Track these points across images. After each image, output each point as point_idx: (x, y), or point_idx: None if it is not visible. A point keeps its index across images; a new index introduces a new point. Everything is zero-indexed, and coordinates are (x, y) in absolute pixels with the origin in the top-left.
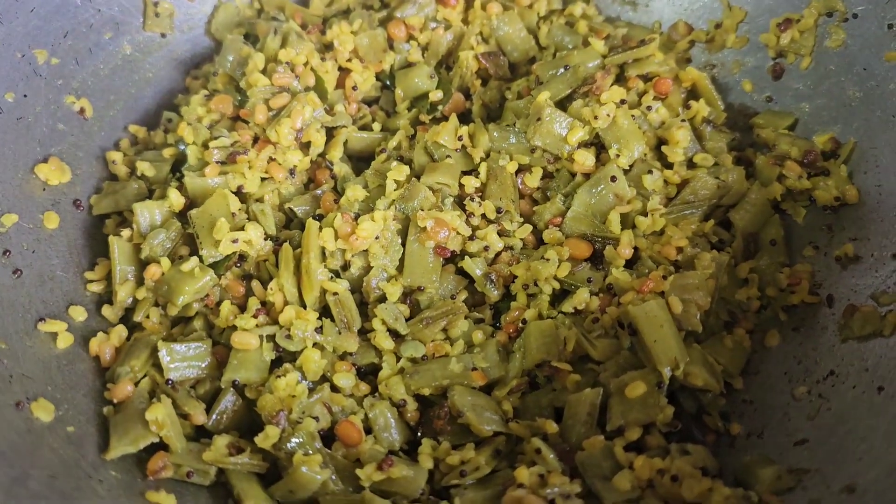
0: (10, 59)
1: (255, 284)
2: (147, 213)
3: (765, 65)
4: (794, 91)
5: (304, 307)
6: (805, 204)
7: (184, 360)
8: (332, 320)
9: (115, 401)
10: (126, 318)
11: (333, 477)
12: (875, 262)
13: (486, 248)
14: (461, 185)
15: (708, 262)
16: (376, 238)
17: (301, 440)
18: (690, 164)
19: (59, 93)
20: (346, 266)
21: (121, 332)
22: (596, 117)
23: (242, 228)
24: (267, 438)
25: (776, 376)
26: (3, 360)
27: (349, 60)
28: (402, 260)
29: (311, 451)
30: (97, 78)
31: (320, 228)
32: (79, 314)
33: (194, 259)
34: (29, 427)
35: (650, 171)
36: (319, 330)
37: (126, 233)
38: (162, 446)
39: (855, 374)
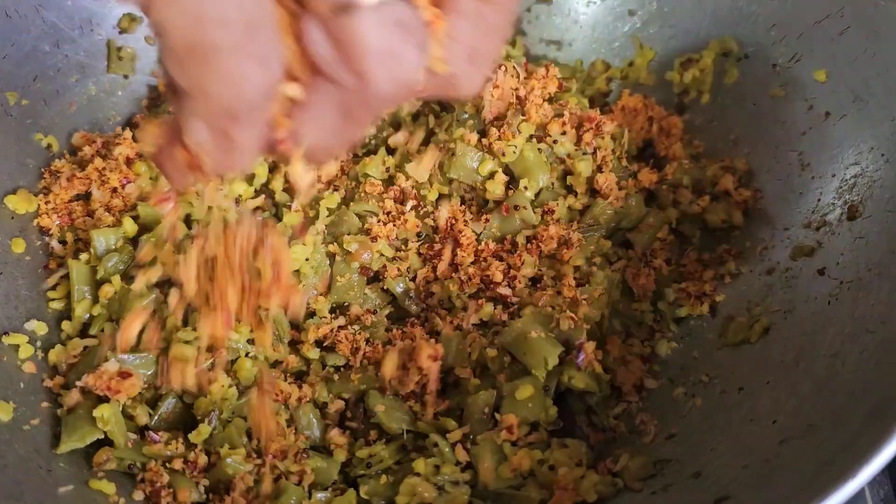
0: None
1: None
2: (103, 239)
3: (671, 100)
4: (693, 124)
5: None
6: (699, 226)
7: (133, 368)
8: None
9: (66, 407)
10: (83, 331)
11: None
12: (752, 278)
13: (407, 269)
14: (387, 211)
15: (601, 280)
16: (307, 259)
17: (230, 436)
18: (594, 192)
19: (29, 131)
20: None
21: (77, 344)
22: (503, 153)
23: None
24: (199, 434)
25: (662, 381)
26: None
27: None
28: (330, 279)
29: (237, 446)
30: (63, 117)
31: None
32: (40, 328)
33: (142, 277)
34: None
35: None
36: (251, 342)
37: (84, 256)
38: (108, 442)
39: (724, 377)
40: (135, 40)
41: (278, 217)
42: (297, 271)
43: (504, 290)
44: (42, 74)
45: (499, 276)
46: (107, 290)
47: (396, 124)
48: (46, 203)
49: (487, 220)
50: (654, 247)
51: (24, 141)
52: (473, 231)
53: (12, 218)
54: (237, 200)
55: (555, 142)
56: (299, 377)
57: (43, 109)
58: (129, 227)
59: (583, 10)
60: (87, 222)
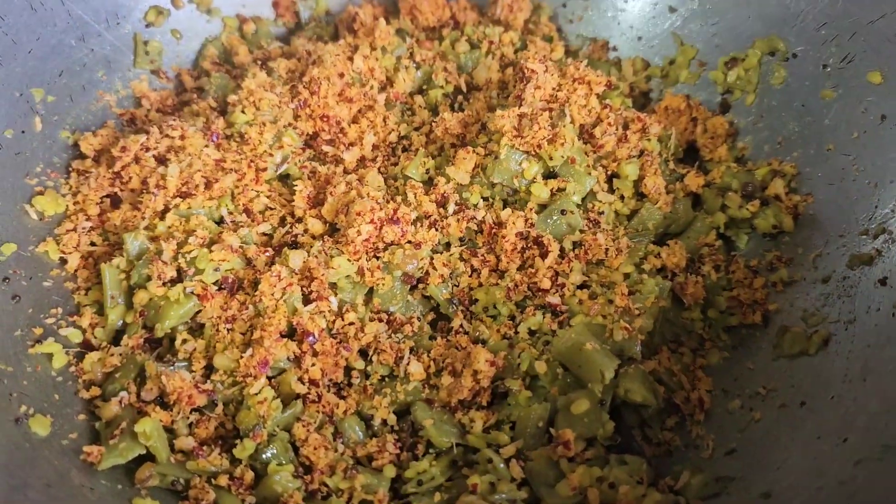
0: (10, 97)
1: (238, 307)
2: (136, 242)
3: (714, 100)
4: (738, 125)
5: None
6: (747, 231)
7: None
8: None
9: (104, 419)
10: (116, 339)
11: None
12: (806, 286)
13: (450, 275)
14: (428, 215)
15: (652, 288)
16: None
17: (275, 451)
18: (641, 196)
19: (55, 128)
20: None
21: (111, 352)
22: (551, 157)
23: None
24: (244, 450)
25: (715, 392)
26: (3, 379)
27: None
28: (370, 290)
29: (284, 462)
30: (89, 113)
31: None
32: (74, 336)
33: (179, 286)
34: (28, 441)
35: (601, 202)
36: (294, 358)
37: (116, 261)
38: (148, 457)
39: (783, 390)
40: (161, 34)
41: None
42: (335, 284)
43: (553, 299)
44: (68, 69)
45: (546, 284)
46: (142, 297)
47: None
48: (75, 204)
49: (532, 225)
50: (702, 253)
51: (51, 139)
52: (518, 235)
53: (41, 220)
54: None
55: (601, 145)
56: (340, 389)
57: (69, 106)
58: (163, 229)
59: (621, 6)
60: (117, 226)
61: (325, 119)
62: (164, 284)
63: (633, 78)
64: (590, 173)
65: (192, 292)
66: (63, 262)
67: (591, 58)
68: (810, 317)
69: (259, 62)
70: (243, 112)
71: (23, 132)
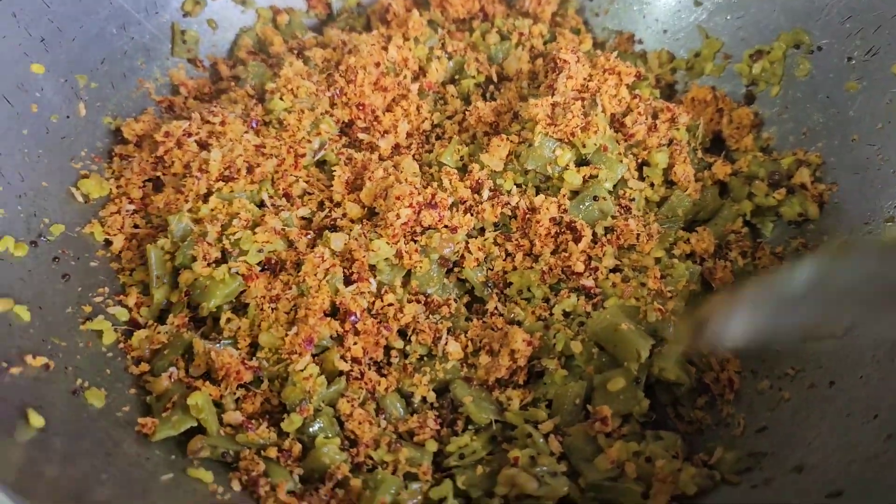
0: (55, 84)
1: (282, 287)
2: (181, 224)
3: (738, 91)
4: (762, 116)
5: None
6: (772, 219)
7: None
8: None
9: (154, 392)
10: (161, 317)
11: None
12: None
13: (485, 259)
14: (463, 200)
15: (683, 272)
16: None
17: (322, 425)
18: (670, 183)
19: (98, 114)
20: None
21: (158, 329)
22: (584, 145)
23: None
24: (291, 423)
25: (743, 373)
26: (59, 353)
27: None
28: (408, 273)
29: (330, 435)
30: (130, 100)
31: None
32: (121, 315)
33: (224, 267)
34: (85, 411)
35: (632, 189)
36: (336, 336)
37: (161, 242)
38: (199, 430)
39: (811, 371)
40: (198, 23)
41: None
42: (374, 266)
43: (587, 282)
44: (109, 57)
45: (580, 267)
46: (187, 277)
47: (466, 98)
48: (118, 188)
49: (565, 211)
50: (729, 239)
51: (94, 124)
52: (551, 221)
53: (86, 202)
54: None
55: (631, 134)
56: (381, 368)
57: (111, 93)
58: (206, 211)
59: (647, 0)
60: (160, 209)
61: (360, 107)
62: (209, 265)
63: (658, 70)
64: (621, 161)
65: (236, 272)
66: (108, 243)
67: (618, 50)
68: None
69: (295, 51)
70: (281, 99)
71: (67, 117)
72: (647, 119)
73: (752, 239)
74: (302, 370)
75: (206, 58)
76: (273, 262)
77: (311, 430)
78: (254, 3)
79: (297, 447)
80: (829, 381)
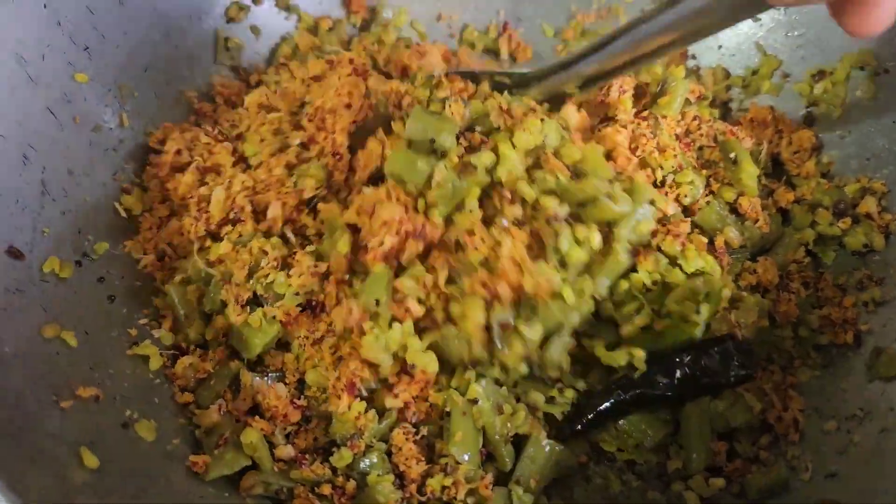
0: (99, 92)
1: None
2: (197, 269)
3: (797, 112)
4: (823, 139)
5: None
6: (834, 248)
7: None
8: None
9: (203, 426)
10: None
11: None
12: None
13: None
14: None
15: (752, 305)
16: None
17: (374, 461)
18: (733, 212)
19: (141, 124)
20: None
21: (205, 357)
22: (661, 167)
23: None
24: (342, 459)
25: (807, 411)
26: (107, 382)
27: None
28: None
29: (382, 473)
30: (172, 109)
31: None
32: (166, 339)
33: (259, 312)
34: (137, 446)
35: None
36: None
37: (178, 277)
38: (252, 466)
39: (881, 414)
40: (241, 30)
41: None
42: None
43: None
44: (153, 65)
45: None
46: (221, 323)
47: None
48: (143, 203)
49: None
50: (790, 269)
51: (136, 135)
52: None
53: (128, 219)
54: None
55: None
56: None
57: (153, 101)
58: (215, 250)
59: None
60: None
61: (337, 156)
62: (242, 308)
63: (713, 88)
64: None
65: (274, 317)
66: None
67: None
68: None
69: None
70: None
71: (111, 129)
72: (708, 142)
73: (814, 269)
74: (345, 412)
75: (249, 65)
76: (314, 303)
77: (361, 466)
78: (298, 10)
79: (352, 484)
80: None
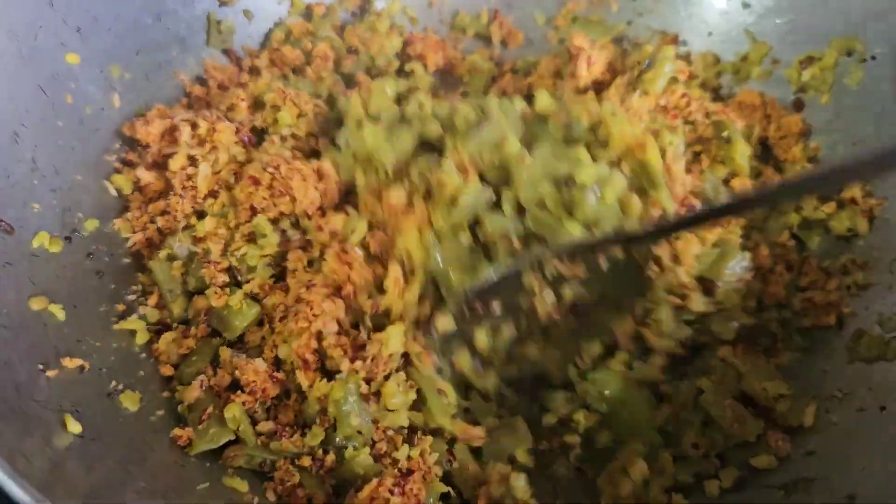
0: (91, 74)
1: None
2: (183, 246)
3: (786, 98)
4: (811, 124)
5: None
6: (819, 233)
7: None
8: None
9: (185, 402)
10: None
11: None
12: (882, 290)
13: None
14: None
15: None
16: None
17: (347, 435)
18: None
19: (132, 105)
20: None
21: (184, 332)
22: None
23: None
24: (314, 437)
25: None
26: (93, 354)
27: None
28: None
29: (359, 446)
30: (164, 91)
31: None
32: (151, 315)
33: (239, 293)
34: (120, 416)
35: None
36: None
37: (163, 253)
38: (235, 440)
39: (860, 394)
40: (234, 13)
41: None
42: None
43: None
44: (144, 47)
45: None
46: (201, 304)
47: None
48: (134, 183)
49: None
50: (775, 252)
51: (128, 116)
52: None
53: (118, 197)
54: None
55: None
56: None
57: (145, 83)
58: (201, 227)
59: (693, 0)
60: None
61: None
62: (222, 288)
63: (703, 73)
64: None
65: (252, 297)
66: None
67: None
68: (887, 321)
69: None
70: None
71: (102, 109)
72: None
73: (798, 252)
74: (308, 390)
75: (241, 48)
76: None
77: (337, 441)
78: None
79: (331, 457)
80: (881, 406)
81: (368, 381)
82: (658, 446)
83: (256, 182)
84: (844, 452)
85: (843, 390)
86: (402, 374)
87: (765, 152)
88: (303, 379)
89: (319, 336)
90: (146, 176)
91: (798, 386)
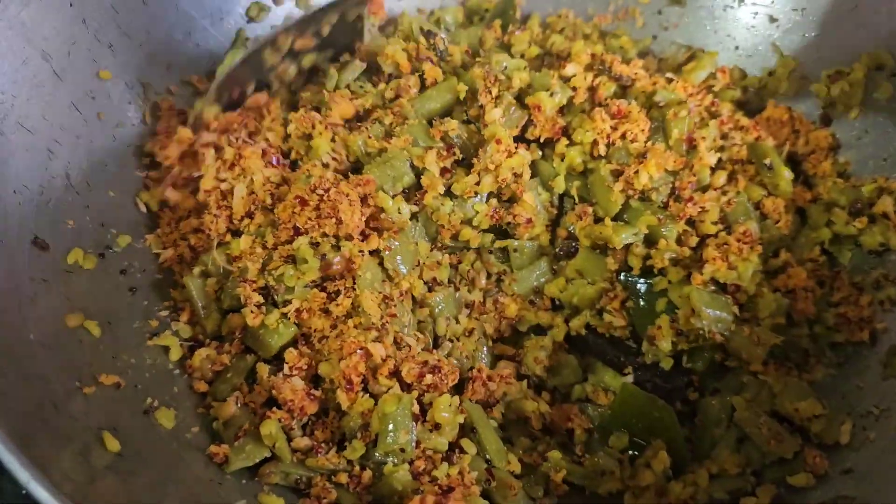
0: (122, 90)
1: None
2: (217, 266)
3: (814, 112)
4: (840, 139)
5: None
6: (850, 248)
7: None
8: None
9: (220, 419)
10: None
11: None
12: None
13: None
14: None
15: (770, 302)
16: None
17: (389, 451)
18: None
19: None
20: None
21: (217, 348)
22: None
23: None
24: (354, 451)
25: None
26: (128, 371)
27: None
28: None
29: (398, 462)
30: (192, 106)
31: None
32: (184, 331)
33: (276, 313)
34: (157, 433)
35: None
36: None
37: (197, 270)
38: (271, 457)
39: None
40: (262, 29)
41: None
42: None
43: None
44: (175, 63)
45: None
46: (236, 322)
47: None
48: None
49: None
50: (806, 268)
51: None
52: None
53: (149, 213)
54: None
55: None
56: None
57: (175, 100)
58: (236, 246)
59: (719, 15)
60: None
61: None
62: (258, 307)
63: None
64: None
65: (289, 318)
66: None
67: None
68: None
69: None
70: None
71: (133, 125)
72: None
73: (829, 268)
74: (350, 407)
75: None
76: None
77: (377, 456)
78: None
79: (368, 474)
80: None
81: (420, 401)
82: (686, 459)
83: (304, 203)
84: (883, 470)
85: (879, 406)
86: (455, 398)
87: (794, 167)
88: (343, 399)
89: (367, 355)
90: (174, 196)
91: (833, 403)
